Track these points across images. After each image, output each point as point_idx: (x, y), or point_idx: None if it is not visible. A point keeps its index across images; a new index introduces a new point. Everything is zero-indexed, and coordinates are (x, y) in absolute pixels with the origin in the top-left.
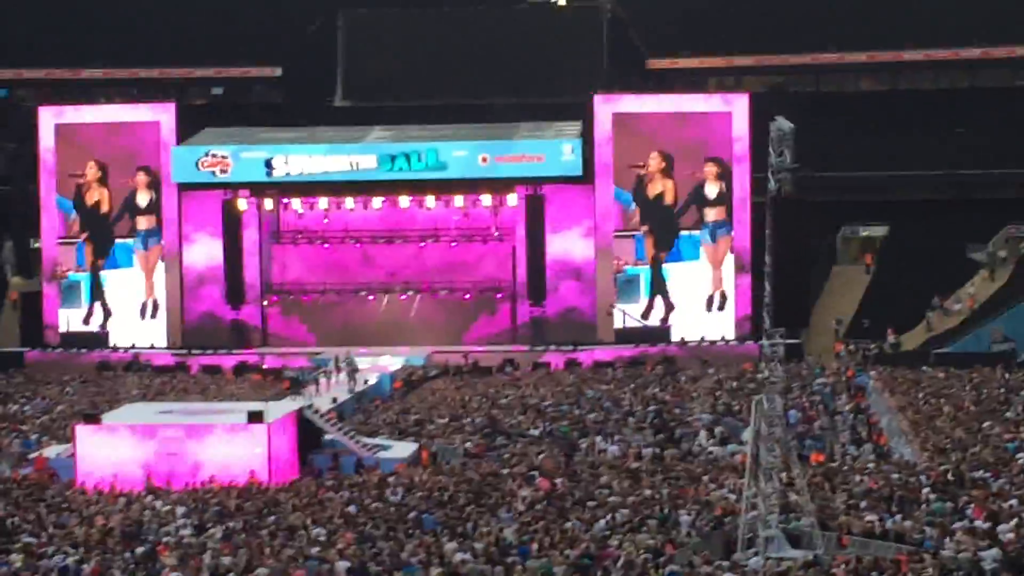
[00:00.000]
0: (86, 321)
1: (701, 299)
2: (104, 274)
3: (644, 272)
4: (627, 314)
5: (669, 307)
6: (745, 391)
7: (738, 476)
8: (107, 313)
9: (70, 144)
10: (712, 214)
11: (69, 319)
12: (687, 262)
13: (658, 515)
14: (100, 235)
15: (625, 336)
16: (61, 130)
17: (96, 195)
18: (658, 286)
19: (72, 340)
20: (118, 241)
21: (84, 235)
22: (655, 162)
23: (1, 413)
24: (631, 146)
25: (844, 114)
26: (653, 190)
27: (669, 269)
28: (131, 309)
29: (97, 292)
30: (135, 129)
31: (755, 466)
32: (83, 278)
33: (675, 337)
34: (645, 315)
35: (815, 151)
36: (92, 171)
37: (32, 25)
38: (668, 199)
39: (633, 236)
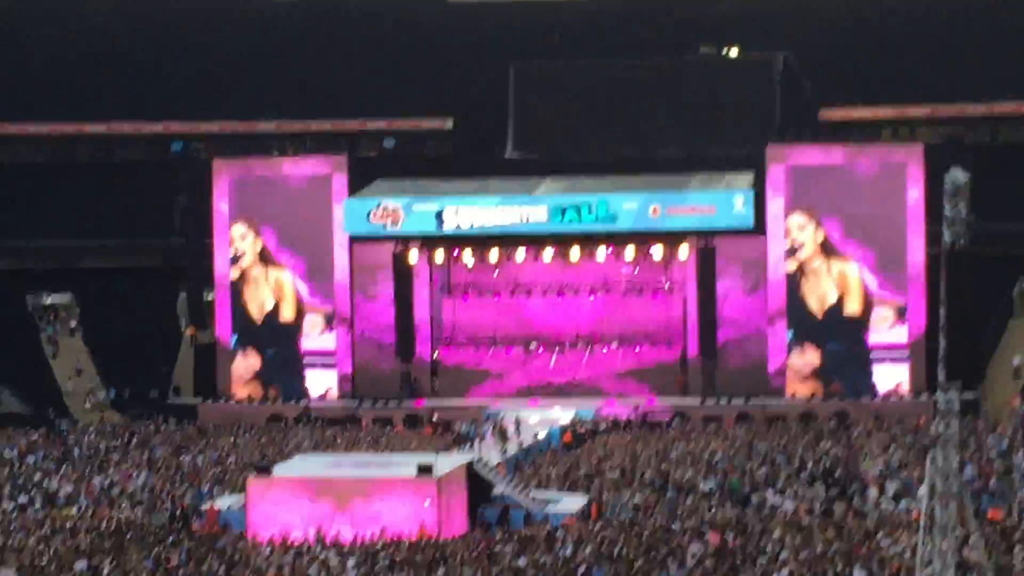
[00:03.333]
0: None
1: None
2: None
3: None
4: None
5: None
6: (919, 446)
7: (912, 533)
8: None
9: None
10: None
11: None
12: None
13: (831, 572)
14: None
15: None
16: (235, 184)
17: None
18: None
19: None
20: None
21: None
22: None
23: (176, 464)
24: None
25: (1021, 165)
26: None
27: None
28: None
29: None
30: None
31: (930, 523)
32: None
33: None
34: None
35: (992, 203)
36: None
37: (207, 79)
38: None
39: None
